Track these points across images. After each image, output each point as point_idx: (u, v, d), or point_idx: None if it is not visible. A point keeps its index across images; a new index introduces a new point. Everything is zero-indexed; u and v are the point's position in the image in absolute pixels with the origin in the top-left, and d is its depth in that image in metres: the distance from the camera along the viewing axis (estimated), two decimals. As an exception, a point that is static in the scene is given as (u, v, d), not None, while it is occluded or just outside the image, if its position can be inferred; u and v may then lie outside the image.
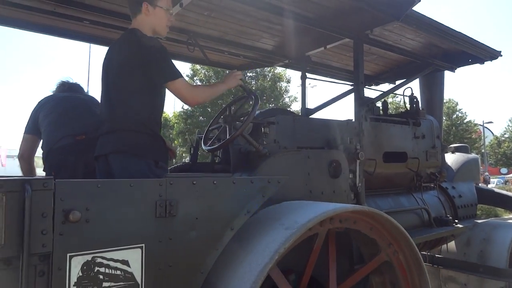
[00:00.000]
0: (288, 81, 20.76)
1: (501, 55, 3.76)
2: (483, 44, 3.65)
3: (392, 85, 4.54)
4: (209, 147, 2.53)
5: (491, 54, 3.76)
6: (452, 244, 4.14)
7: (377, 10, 2.77)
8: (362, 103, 3.12)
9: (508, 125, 38.49)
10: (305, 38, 3.44)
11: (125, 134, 2.05)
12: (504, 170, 37.95)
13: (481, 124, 33.00)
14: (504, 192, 4.91)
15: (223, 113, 2.63)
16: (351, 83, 4.34)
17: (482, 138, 32.79)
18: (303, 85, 3.71)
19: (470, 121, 31.70)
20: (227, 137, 2.38)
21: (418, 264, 2.16)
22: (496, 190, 4.78)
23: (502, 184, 29.50)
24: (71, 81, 3.03)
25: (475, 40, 3.56)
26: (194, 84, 18.72)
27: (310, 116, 3.85)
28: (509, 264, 3.75)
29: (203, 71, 18.95)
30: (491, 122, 33.87)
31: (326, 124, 2.93)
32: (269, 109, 3.80)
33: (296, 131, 2.75)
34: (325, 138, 2.88)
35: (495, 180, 32.28)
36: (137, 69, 2.02)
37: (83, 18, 2.84)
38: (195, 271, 1.62)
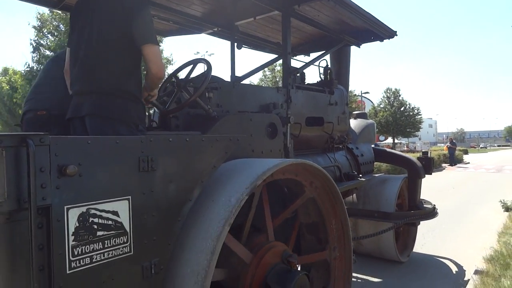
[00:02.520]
0: (160, 41, 19.64)
1: (397, 35, 4.42)
2: (384, 24, 4.25)
3: (307, 57, 4.99)
4: (166, 110, 2.59)
5: (389, 33, 4.39)
6: (354, 196, 4.89)
7: (307, -13, 3.07)
8: (289, 72, 3.45)
9: (384, 96, 43.29)
10: (236, 7, 3.59)
11: (106, 97, 2.00)
12: (382, 137, 43.22)
13: (360, 94, 36.85)
14: (393, 151, 5.87)
15: (170, 79, 2.70)
16: (274, 54, 4.66)
17: (361, 107, 36.69)
18: (232, 54, 3.89)
19: (351, 91, 35.04)
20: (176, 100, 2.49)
21: (335, 194, 2.63)
22: (388, 150, 5.68)
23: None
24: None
25: (378, 19, 4.13)
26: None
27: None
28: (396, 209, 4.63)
29: (53, 23, 15.96)
30: (367, 93, 37.77)
31: (261, 90, 3.19)
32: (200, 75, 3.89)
33: (235, 96, 2.97)
34: (260, 103, 3.15)
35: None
36: (122, 26, 1.95)
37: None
38: (174, 220, 1.78)
